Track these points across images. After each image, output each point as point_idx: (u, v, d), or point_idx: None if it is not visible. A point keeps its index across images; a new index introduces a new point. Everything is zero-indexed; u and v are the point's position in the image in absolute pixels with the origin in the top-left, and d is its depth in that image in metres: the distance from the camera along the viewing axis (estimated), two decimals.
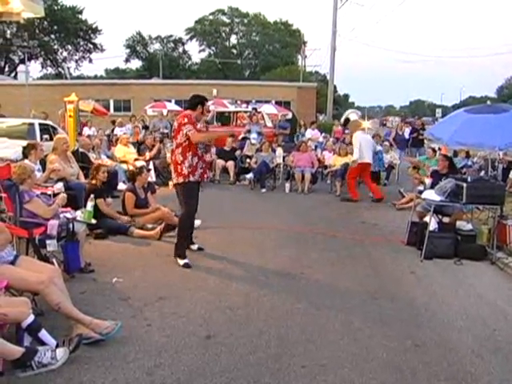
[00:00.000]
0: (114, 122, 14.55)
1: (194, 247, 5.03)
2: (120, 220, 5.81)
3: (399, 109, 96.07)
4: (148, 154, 9.98)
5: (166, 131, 12.64)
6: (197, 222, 5.90)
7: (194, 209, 4.65)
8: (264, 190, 9.68)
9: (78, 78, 41.39)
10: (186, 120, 4.49)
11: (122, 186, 8.50)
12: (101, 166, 5.98)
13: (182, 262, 4.56)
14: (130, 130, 12.81)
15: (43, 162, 6.53)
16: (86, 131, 13.00)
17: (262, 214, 7.39)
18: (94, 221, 4.74)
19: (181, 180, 4.50)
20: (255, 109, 14.71)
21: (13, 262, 3.14)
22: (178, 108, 19.32)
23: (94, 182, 5.79)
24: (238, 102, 18.53)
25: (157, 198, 6.48)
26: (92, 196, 4.75)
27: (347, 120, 9.62)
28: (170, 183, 9.29)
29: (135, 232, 5.64)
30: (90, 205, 4.63)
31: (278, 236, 5.98)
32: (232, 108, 17.16)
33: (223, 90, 26.22)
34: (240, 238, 5.81)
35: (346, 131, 12.80)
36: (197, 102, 4.62)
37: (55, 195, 5.21)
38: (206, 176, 4.71)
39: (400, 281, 4.48)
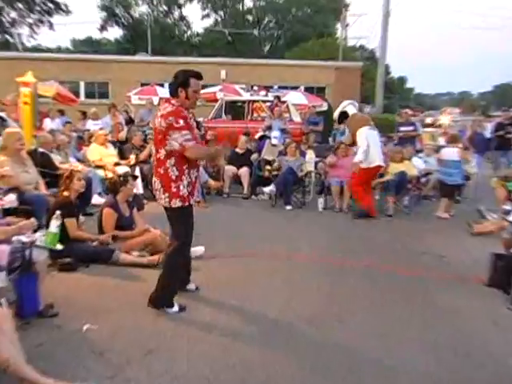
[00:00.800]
0: (84, 114, 14.86)
1: (191, 287, 5.06)
2: (99, 241, 5.94)
3: (478, 96, 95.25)
4: (133, 158, 10.21)
5: None
6: (198, 250, 6.00)
7: (190, 240, 4.63)
8: (289, 208, 9.76)
9: (35, 50, 41.48)
10: (180, 122, 4.26)
11: (97, 200, 8.71)
12: (75, 172, 6.13)
13: (172, 310, 4.57)
14: (109, 124, 13.10)
15: None
16: (48, 124, 13.28)
17: (285, 239, 7.44)
18: (59, 246, 4.79)
19: (178, 204, 4.38)
20: (278, 97, 14.89)
21: None
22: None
23: (66, 193, 5.90)
24: (255, 89, 18.70)
25: (145, 217, 6.61)
26: (58, 213, 4.75)
27: (344, 114, 9.65)
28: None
29: (123, 258, 5.76)
30: (54, 224, 4.66)
31: (308, 269, 6.02)
32: (246, 96, 17.37)
33: (235, 71, 26.56)
34: (256, 271, 5.87)
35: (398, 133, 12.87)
36: (177, 83, 4.38)
37: (7, 212, 5.35)
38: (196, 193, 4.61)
39: (478, 335, 4.46)
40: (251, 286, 5.37)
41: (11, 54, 29.04)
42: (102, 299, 4.84)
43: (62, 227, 4.87)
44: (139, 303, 4.73)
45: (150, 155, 10.43)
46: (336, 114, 10.09)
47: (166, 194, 4.39)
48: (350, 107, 9.76)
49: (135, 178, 6.82)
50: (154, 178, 4.49)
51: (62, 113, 15.80)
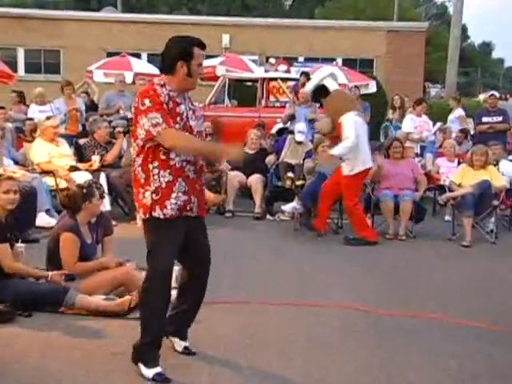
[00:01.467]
0: (21, 96, 14.95)
1: (179, 346, 5.06)
2: (43, 279, 5.98)
3: None
4: (96, 159, 10.28)
5: (130, 115, 12.99)
6: None
7: (166, 267, 4.66)
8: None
9: None
10: (146, 103, 4.41)
11: (44, 220, 8.78)
12: (1, 180, 6.21)
13: (149, 372, 4.59)
14: (62, 110, 13.19)
15: None
16: None
17: (315, 278, 7.46)
18: None
19: (142, 215, 4.60)
20: (305, 74, 14.92)
21: None
22: (153, 70, 19.78)
23: None
24: (272, 61, 18.87)
25: (114, 244, 6.67)
26: None
27: (322, 89, 9.60)
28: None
29: (81, 302, 5.79)
30: None
31: (347, 323, 6.01)
32: (259, 72, 17.52)
33: (242, 36, 26.78)
34: (272, 324, 5.88)
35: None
36: (176, 55, 4.52)
37: None
38: (193, 207, 4.70)
39: None
40: (264, 344, 5.39)
41: None
42: (53, 365, 4.84)
43: None
44: (101, 371, 4.73)
45: (120, 156, 10.59)
46: (310, 88, 9.97)
47: (136, 204, 4.66)
48: (330, 80, 9.67)
49: (102, 190, 6.85)
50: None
51: None
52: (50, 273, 6.04)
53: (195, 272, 4.90)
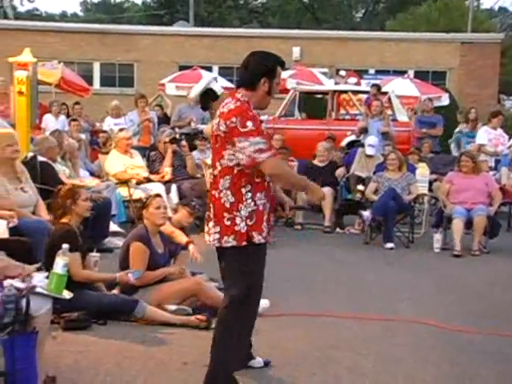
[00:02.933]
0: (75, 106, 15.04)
1: (257, 363, 5.02)
2: (112, 281, 6.13)
3: None
4: (168, 171, 10.47)
5: (201, 127, 13.18)
6: (261, 304, 6.09)
7: (257, 290, 4.58)
8: (390, 246, 9.80)
9: (31, 17, 42.50)
10: (248, 125, 4.29)
11: (115, 229, 8.98)
12: (77, 189, 6.33)
13: None
14: (135, 122, 13.44)
15: None
16: (49, 123, 13.74)
17: (384, 292, 7.46)
18: (67, 294, 4.83)
19: (231, 242, 4.39)
20: (376, 86, 14.92)
21: None
22: (225, 84, 20.03)
23: (65, 220, 6.12)
24: (342, 74, 18.87)
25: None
26: (65, 247, 4.81)
27: (208, 95, 9.20)
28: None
29: (151, 314, 5.91)
30: (61, 263, 4.69)
31: (419, 338, 5.98)
32: (330, 85, 17.54)
33: (313, 48, 26.83)
34: (342, 337, 5.88)
35: None
36: (260, 71, 4.47)
37: None
38: (271, 229, 4.59)
39: None
40: (334, 359, 5.38)
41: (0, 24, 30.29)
42: (126, 372, 4.95)
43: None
44: (183, 379, 4.82)
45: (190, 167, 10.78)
46: (195, 93, 9.46)
47: (217, 229, 4.43)
48: (216, 84, 9.35)
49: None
50: (210, 204, 4.55)
51: (76, 105, 16.27)
52: (117, 274, 6.14)
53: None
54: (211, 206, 4.50)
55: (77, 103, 16.41)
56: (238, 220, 4.35)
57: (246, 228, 4.35)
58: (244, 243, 4.36)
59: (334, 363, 5.30)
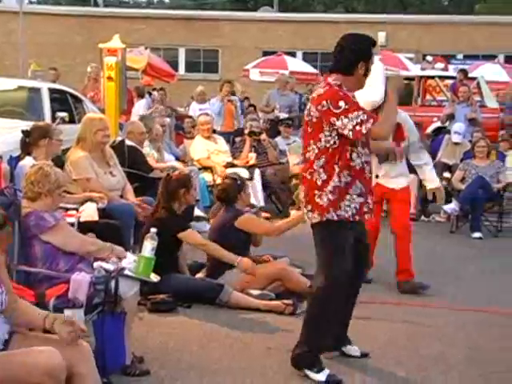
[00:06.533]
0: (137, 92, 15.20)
1: (352, 352, 5.02)
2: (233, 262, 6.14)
3: None
4: (253, 156, 10.50)
5: (288, 115, 13.18)
6: None
7: (345, 275, 4.59)
8: (478, 235, 9.67)
9: (120, 4, 43.41)
10: (341, 105, 4.39)
11: (198, 214, 9.06)
12: (191, 178, 6.53)
13: (319, 377, 4.54)
14: (219, 107, 13.48)
15: (59, 163, 6.88)
16: (139, 108, 13.97)
17: (468, 282, 7.41)
18: (155, 278, 4.93)
19: (316, 218, 4.58)
20: (464, 72, 14.63)
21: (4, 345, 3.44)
22: (308, 69, 19.99)
23: (176, 205, 6.24)
24: (429, 59, 18.58)
25: (265, 240, 6.83)
26: (153, 231, 4.87)
27: None
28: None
29: (235, 299, 5.97)
30: (149, 246, 4.76)
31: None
32: (415, 70, 17.31)
33: (399, 33, 26.52)
34: (427, 326, 5.85)
35: None
36: (357, 55, 4.53)
37: (82, 227, 5.76)
38: (368, 210, 4.69)
39: None
40: (420, 348, 5.38)
41: (88, 10, 31.12)
42: (211, 355, 5.03)
43: (156, 252, 4.90)
44: (267, 364, 4.86)
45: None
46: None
47: (309, 207, 4.61)
48: None
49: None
50: (302, 187, 4.78)
51: (161, 91, 16.57)
52: (239, 258, 6.12)
53: (355, 274, 4.76)
54: (303, 188, 4.70)
55: (161, 89, 16.67)
56: (323, 196, 4.52)
57: (327, 203, 4.51)
58: (325, 218, 4.52)
59: (418, 353, 5.28)
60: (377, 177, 6.63)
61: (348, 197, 4.55)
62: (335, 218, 4.52)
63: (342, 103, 4.38)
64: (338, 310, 4.76)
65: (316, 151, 4.52)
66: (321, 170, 4.52)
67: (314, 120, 4.49)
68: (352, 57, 4.53)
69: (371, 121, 4.37)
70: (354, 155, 4.54)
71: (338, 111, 4.38)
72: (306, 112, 4.61)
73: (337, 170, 4.50)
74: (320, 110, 4.44)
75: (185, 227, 6.17)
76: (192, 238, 6.19)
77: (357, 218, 4.61)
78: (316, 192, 4.54)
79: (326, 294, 4.59)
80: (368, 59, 4.55)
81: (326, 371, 4.56)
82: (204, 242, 6.26)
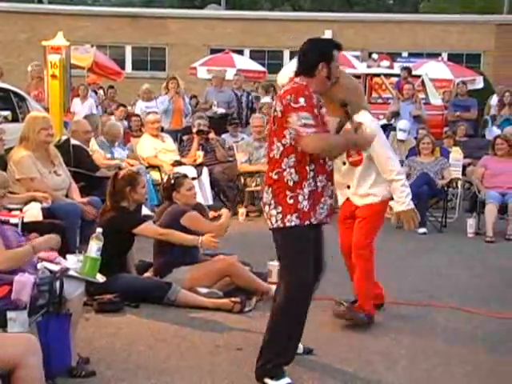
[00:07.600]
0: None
1: (300, 349, 4.97)
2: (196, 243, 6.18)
3: None
4: (200, 154, 10.52)
5: (226, 110, 13.23)
6: None
7: (310, 277, 4.53)
8: (423, 231, 9.70)
9: (64, 1, 42.87)
10: (301, 101, 4.37)
11: (146, 213, 9.00)
12: (137, 176, 6.41)
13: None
14: (167, 104, 13.37)
15: (1, 162, 6.97)
16: (78, 107, 13.99)
17: (415, 278, 7.51)
18: (100, 278, 4.91)
19: (290, 222, 4.44)
20: (408, 69, 14.79)
21: None
22: (256, 67, 19.99)
23: (125, 204, 6.19)
24: (374, 57, 18.71)
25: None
26: (99, 231, 4.83)
27: None
28: (241, 211, 9.77)
29: (183, 298, 5.96)
30: (95, 247, 4.73)
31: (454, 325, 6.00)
32: (361, 68, 17.44)
33: (345, 32, 26.56)
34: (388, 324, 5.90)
35: None
36: (317, 57, 4.54)
37: (26, 228, 5.66)
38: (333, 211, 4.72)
39: None
40: (371, 345, 5.42)
41: (31, 7, 30.38)
42: (159, 354, 5.03)
43: (104, 252, 4.84)
44: (215, 362, 4.88)
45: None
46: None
47: (279, 209, 4.45)
48: None
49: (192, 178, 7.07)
50: (265, 188, 4.60)
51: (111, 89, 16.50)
52: (201, 237, 6.12)
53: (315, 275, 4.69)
54: (267, 189, 4.53)
55: (111, 87, 16.54)
56: (300, 198, 4.43)
57: (308, 207, 4.43)
58: (307, 222, 4.44)
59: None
60: (348, 187, 5.88)
61: (323, 199, 4.54)
62: (314, 221, 4.48)
63: (302, 100, 4.35)
64: (303, 313, 4.60)
65: (281, 149, 4.45)
66: (292, 171, 4.42)
67: (279, 115, 4.43)
68: (312, 58, 4.54)
69: (314, 130, 4.32)
70: (327, 158, 4.55)
71: (296, 106, 4.35)
72: (272, 109, 4.60)
73: (311, 173, 4.43)
74: (283, 104, 4.41)
75: (140, 222, 6.14)
76: (150, 230, 6.16)
77: (328, 219, 4.63)
78: (288, 193, 4.43)
79: (295, 298, 4.50)
80: (329, 60, 4.53)
81: (287, 379, 4.48)
82: (163, 231, 6.18)
